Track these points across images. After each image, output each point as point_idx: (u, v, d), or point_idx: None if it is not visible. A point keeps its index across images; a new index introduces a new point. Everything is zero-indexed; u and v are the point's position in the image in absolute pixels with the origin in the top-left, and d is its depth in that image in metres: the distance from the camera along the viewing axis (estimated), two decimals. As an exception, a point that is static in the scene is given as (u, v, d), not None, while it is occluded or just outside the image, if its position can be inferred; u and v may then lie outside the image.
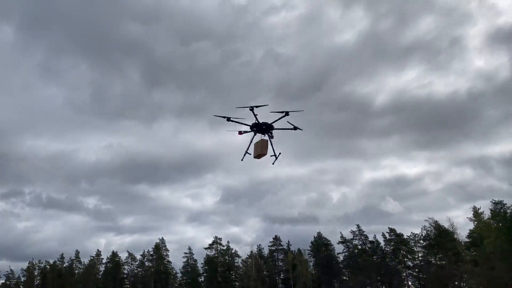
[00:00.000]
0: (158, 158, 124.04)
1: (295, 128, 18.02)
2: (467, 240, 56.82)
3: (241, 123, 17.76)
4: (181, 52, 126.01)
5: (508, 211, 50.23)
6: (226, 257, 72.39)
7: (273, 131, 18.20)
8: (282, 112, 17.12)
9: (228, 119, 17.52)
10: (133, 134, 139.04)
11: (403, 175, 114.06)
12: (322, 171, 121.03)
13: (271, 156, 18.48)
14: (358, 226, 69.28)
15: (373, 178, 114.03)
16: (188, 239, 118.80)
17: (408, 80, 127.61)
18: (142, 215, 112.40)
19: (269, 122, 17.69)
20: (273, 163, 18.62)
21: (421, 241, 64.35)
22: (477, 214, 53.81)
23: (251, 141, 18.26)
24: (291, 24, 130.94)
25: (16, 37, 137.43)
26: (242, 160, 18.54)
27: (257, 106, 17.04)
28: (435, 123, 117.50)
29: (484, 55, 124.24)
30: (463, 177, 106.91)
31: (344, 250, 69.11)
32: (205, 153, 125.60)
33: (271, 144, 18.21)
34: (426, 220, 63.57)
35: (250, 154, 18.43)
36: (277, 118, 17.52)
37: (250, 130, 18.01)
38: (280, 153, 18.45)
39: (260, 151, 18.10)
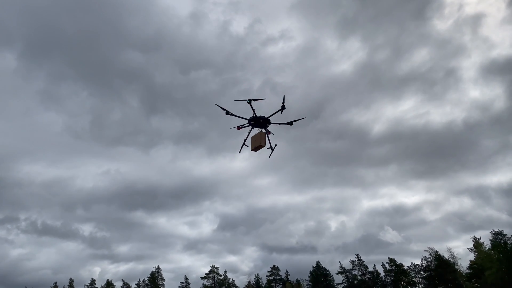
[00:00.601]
0: (155, 184, 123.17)
1: (291, 123, 19.06)
2: (468, 271, 56.15)
3: (239, 117, 18.66)
4: (181, 80, 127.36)
5: (509, 242, 49.94)
6: (223, 287, 70.97)
7: (272, 132, 19.31)
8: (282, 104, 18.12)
9: (227, 113, 18.38)
10: (131, 161, 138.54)
11: (402, 204, 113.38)
12: (321, 199, 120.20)
13: (267, 148, 19.30)
14: (357, 256, 68.49)
15: (371, 207, 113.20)
16: (184, 268, 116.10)
17: (405, 110, 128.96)
18: (138, 243, 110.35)
19: (266, 116, 18.48)
20: (269, 156, 19.53)
21: (422, 272, 63.51)
22: (477, 244, 53.43)
23: (248, 134, 19.09)
24: (289, 55, 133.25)
25: (18, 64, 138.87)
26: (239, 152, 19.45)
27: (255, 100, 17.80)
28: (433, 152, 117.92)
29: (479, 86, 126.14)
30: (462, 207, 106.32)
31: (344, 281, 67.97)
32: (203, 180, 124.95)
33: (268, 137, 19.07)
34: (426, 251, 63.03)
35: (248, 146, 19.20)
36: (274, 112, 18.43)
37: (248, 124, 18.76)
38: (276, 145, 19.32)
39: (258, 143, 18.85)
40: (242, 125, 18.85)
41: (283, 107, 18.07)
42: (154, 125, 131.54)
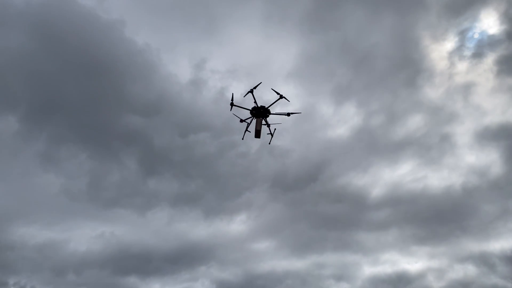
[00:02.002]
0: (150, 248, 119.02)
1: (288, 114, 21.41)
2: None
3: (243, 108, 21.11)
4: (179, 143, 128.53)
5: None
6: None
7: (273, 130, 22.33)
8: (278, 94, 20.61)
9: (232, 104, 20.68)
10: (127, 223, 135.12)
11: (405, 271, 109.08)
12: (321, 265, 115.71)
13: (267, 134, 21.88)
14: (360, 325, 64.80)
15: (373, 274, 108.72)
16: None
17: (402, 174, 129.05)
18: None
19: (266, 106, 21.01)
20: (269, 143, 22.18)
21: None
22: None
23: (250, 123, 21.53)
24: (286, 119, 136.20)
25: (20, 127, 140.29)
26: (242, 139, 21.99)
27: (255, 87, 20.15)
28: (433, 218, 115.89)
29: (475, 151, 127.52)
30: (466, 275, 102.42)
31: None
32: (199, 243, 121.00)
33: (268, 126, 21.64)
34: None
35: (250, 132, 21.53)
36: (273, 102, 21.11)
37: (250, 115, 21.14)
38: (275, 129, 21.93)
39: (259, 127, 21.21)
40: (245, 119, 21.45)
41: (281, 96, 20.17)
42: (151, 187, 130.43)
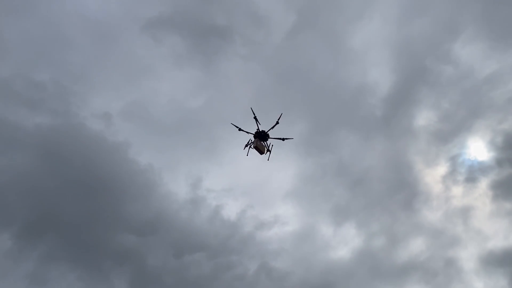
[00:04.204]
0: None
1: (283, 139, 26.04)
2: None
3: (248, 132, 25.84)
4: (173, 264, 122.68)
5: None
6: None
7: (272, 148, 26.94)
8: (277, 122, 25.51)
9: (240, 129, 25.65)
10: None
11: None
12: None
13: (270, 147, 26.41)
14: None
15: None
16: None
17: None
18: None
19: (266, 131, 26.03)
20: (268, 159, 25.84)
21: None
22: None
23: (252, 144, 25.78)
24: (285, 239, 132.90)
25: (12, 245, 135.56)
26: (247, 155, 25.82)
27: (257, 120, 25.63)
28: None
29: (482, 278, 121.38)
30: None
31: None
32: None
33: (267, 146, 26.08)
34: None
35: (252, 148, 25.61)
36: (271, 127, 26.16)
37: (253, 138, 25.91)
38: (272, 145, 26.16)
39: (259, 144, 25.81)
40: (248, 144, 25.88)
41: (277, 123, 24.99)
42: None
